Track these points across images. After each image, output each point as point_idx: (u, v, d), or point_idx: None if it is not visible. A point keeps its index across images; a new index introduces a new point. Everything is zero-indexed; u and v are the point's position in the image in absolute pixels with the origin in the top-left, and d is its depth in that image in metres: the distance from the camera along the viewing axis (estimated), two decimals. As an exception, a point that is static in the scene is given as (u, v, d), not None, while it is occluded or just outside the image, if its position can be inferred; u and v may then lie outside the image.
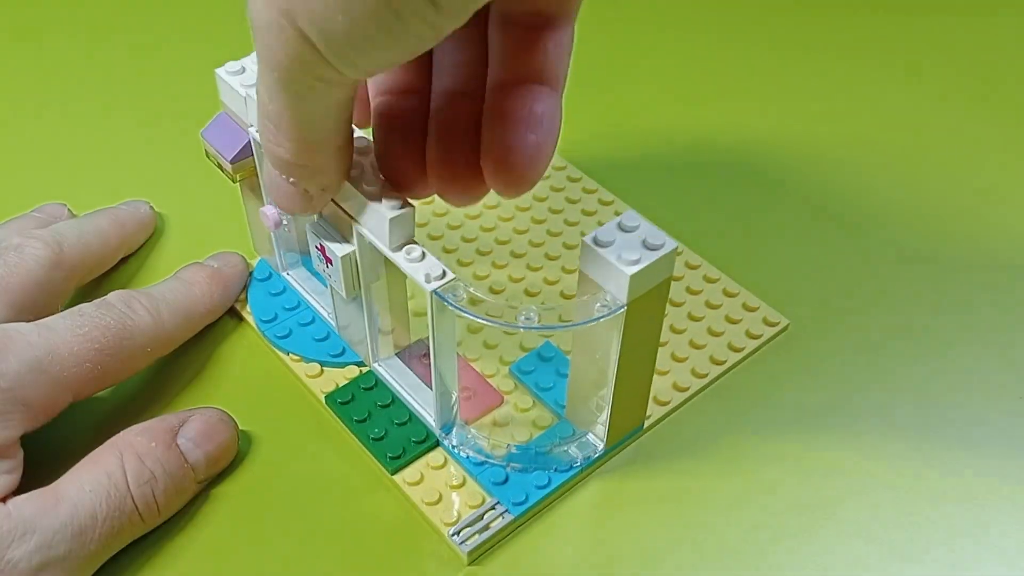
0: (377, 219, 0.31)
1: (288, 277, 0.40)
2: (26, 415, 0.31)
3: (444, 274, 0.30)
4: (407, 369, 0.37)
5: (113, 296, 0.35)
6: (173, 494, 0.33)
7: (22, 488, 0.31)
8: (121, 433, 0.33)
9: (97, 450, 0.32)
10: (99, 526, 0.30)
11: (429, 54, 0.30)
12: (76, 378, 0.32)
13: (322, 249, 0.34)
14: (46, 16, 0.56)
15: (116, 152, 0.48)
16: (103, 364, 0.33)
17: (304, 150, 0.28)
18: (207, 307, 0.38)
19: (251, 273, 0.41)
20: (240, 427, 0.36)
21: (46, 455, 0.34)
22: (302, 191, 0.30)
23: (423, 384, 0.37)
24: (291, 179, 0.29)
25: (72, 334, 0.32)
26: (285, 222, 0.38)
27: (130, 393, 0.37)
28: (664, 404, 0.37)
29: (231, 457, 0.35)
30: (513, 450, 0.35)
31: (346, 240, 0.33)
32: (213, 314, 0.38)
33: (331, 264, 0.34)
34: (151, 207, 0.43)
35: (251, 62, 0.35)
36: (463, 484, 0.35)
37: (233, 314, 0.40)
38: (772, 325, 0.40)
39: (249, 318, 0.40)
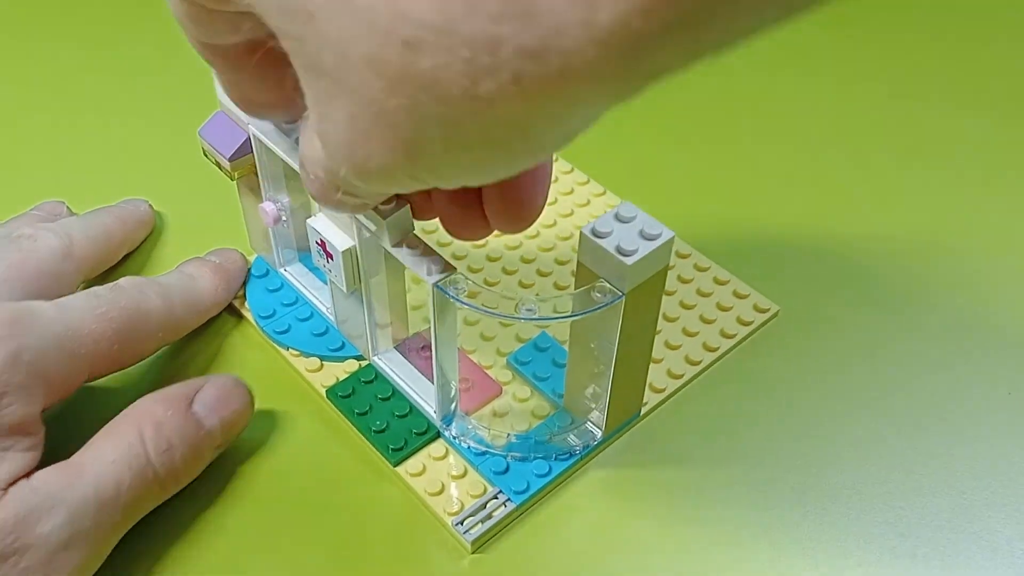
0: (376, 217, 0.31)
1: (286, 273, 0.41)
2: (47, 390, 0.31)
3: (445, 267, 0.31)
4: (406, 362, 0.38)
5: (125, 281, 0.36)
6: (192, 460, 0.33)
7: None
8: (137, 402, 0.34)
9: (115, 420, 0.33)
10: (123, 496, 0.31)
11: None
12: (93, 355, 0.33)
13: (322, 244, 0.34)
14: (44, 14, 0.56)
15: (113, 151, 0.48)
16: (119, 343, 0.34)
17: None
18: (212, 298, 0.39)
19: (248, 270, 0.41)
20: (242, 423, 0.36)
21: (57, 436, 0.35)
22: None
23: (423, 376, 0.37)
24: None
25: (90, 313, 0.33)
26: (284, 218, 0.38)
27: (131, 391, 0.37)
28: (659, 391, 0.38)
29: (246, 422, 0.36)
30: (513, 440, 0.36)
31: (346, 235, 0.34)
32: (217, 306, 0.39)
33: (332, 259, 0.34)
34: (150, 205, 0.43)
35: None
36: (465, 474, 0.35)
37: (232, 311, 0.40)
38: (763, 312, 0.41)
39: (248, 315, 0.40)
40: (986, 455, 0.36)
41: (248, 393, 0.36)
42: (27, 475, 0.30)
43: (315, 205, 0.35)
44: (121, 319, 0.34)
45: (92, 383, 0.36)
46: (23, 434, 0.30)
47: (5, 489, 0.29)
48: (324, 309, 0.40)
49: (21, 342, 0.30)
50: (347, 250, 0.34)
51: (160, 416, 0.33)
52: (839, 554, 0.34)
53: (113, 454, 0.31)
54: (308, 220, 0.35)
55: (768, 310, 0.41)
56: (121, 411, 0.33)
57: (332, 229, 0.34)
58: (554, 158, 0.47)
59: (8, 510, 0.29)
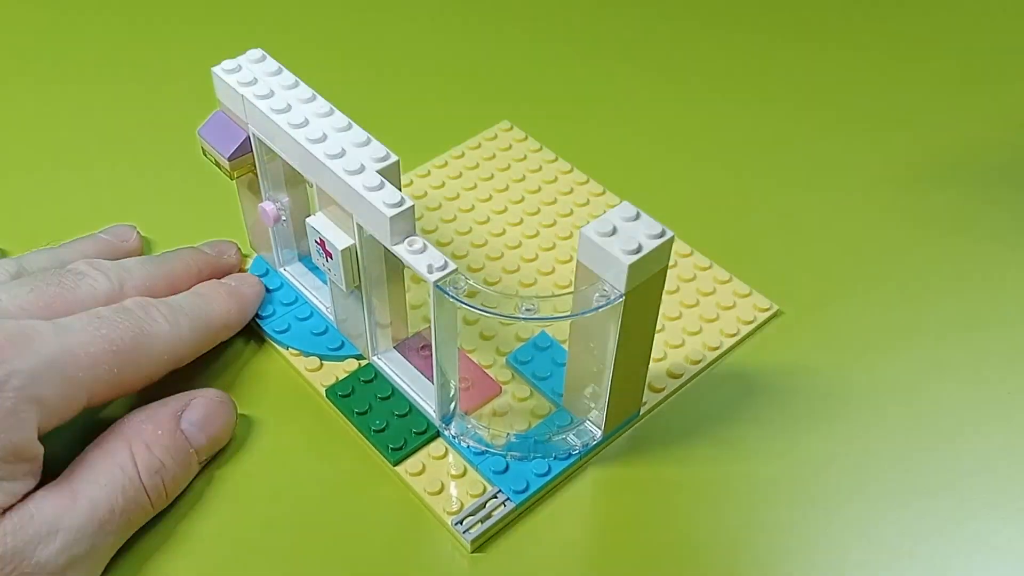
0: (377, 216, 0.31)
1: (285, 273, 0.41)
2: (41, 414, 0.30)
3: (446, 265, 0.31)
4: (406, 362, 0.38)
5: (131, 302, 0.35)
6: (181, 479, 0.34)
7: None
8: (125, 419, 0.34)
9: (105, 438, 0.33)
10: (116, 519, 0.31)
11: None
12: (92, 379, 0.32)
13: (322, 243, 0.34)
14: (45, 14, 0.56)
15: (106, 151, 0.48)
16: (119, 367, 0.33)
17: None
18: (225, 321, 0.38)
19: (247, 269, 0.41)
20: (242, 423, 0.36)
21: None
22: None
23: (422, 376, 0.37)
24: None
25: (89, 335, 0.32)
26: (283, 218, 0.38)
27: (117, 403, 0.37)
28: (659, 391, 0.38)
29: (230, 435, 0.36)
30: (513, 439, 0.36)
31: (346, 234, 0.34)
32: (229, 329, 0.38)
33: (331, 258, 0.34)
34: (238, 250, 0.41)
35: (246, 60, 0.36)
36: (464, 474, 0.35)
37: (231, 310, 0.40)
38: (763, 311, 0.41)
39: (247, 314, 0.40)
40: (986, 455, 0.36)
41: (233, 407, 0.36)
42: (23, 499, 0.30)
43: (315, 204, 0.35)
44: (122, 341, 0.33)
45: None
46: (18, 460, 0.30)
47: (1, 515, 0.29)
48: (324, 308, 0.40)
49: (11, 366, 0.30)
50: (346, 249, 0.34)
51: (150, 436, 0.33)
52: (839, 554, 0.34)
53: (105, 477, 0.31)
54: (307, 219, 0.35)
55: (768, 309, 0.41)
56: (109, 423, 0.34)
57: (331, 228, 0.34)
58: (554, 158, 0.47)
59: (7, 542, 0.29)
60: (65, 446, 0.34)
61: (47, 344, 0.31)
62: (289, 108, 0.34)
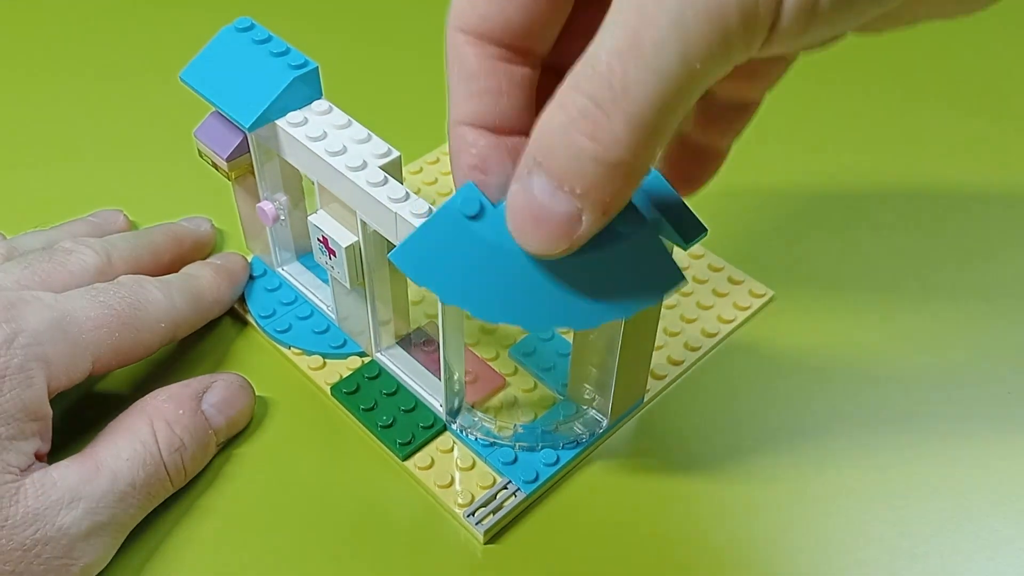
0: (382, 211, 0.31)
1: (283, 273, 0.41)
2: (48, 373, 0.31)
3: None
4: (410, 357, 0.38)
5: (125, 277, 0.36)
6: (200, 459, 0.35)
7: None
8: (147, 397, 0.34)
9: (128, 414, 0.34)
10: (137, 493, 0.32)
11: None
12: (94, 343, 0.33)
13: (324, 241, 0.34)
14: (47, 13, 0.56)
15: (101, 151, 0.48)
16: (120, 332, 0.34)
17: (640, 142, 0.22)
18: (216, 296, 0.38)
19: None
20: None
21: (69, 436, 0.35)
22: (574, 217, 0.24)
23: (427, 371, 0.37)
24: (580, 191, 0.23)
25: (88, 301, 0.33)
26: (282, 218, 0.38)
27: (134, 394, 0.37)
28: (661, 378, 0.38)
29: (248, 421, 0.37)
30: (520, 430, 0.36)
31: (349, 231, 0.34)
32: (220, 304, 0.39)
33: (334, 256, 0.34)
34: (212, 224, 0.42)
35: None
36: (473, 466, 0.35)
37: (232, 312, 0.40)
38: (758, 296, 0.41)
39: (248, 315, 0.40)
40: (986, 455, 0.36)
41: (252, 392, 0.36)
42: (40, 462, 0.31)
43: (315, 203, 0.35)
44: (121, 307, 0.34)
45: (100, 386, 0.36)
46: (28, 419, 0.31)
47: (19, 476, 0.30)
48: (324, 307, 0.40)
49: (16, 326, 0.31)
50: (350, 246, 0.34)
51: (171, 415, 0.34)
52: (839, 553, 0.34)
53: (128, 452, 0.32)
54: (309, 217, 0.35)
55: (763, 295, 0.41)
56: (130, 403, 0.34)
57: (334, 225, 0.34)
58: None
59: (28, 504, 0.30)
60: (85, 424, 0.34)
61: (49, 307, 0.32)
62: (287, 107, 0.34)
